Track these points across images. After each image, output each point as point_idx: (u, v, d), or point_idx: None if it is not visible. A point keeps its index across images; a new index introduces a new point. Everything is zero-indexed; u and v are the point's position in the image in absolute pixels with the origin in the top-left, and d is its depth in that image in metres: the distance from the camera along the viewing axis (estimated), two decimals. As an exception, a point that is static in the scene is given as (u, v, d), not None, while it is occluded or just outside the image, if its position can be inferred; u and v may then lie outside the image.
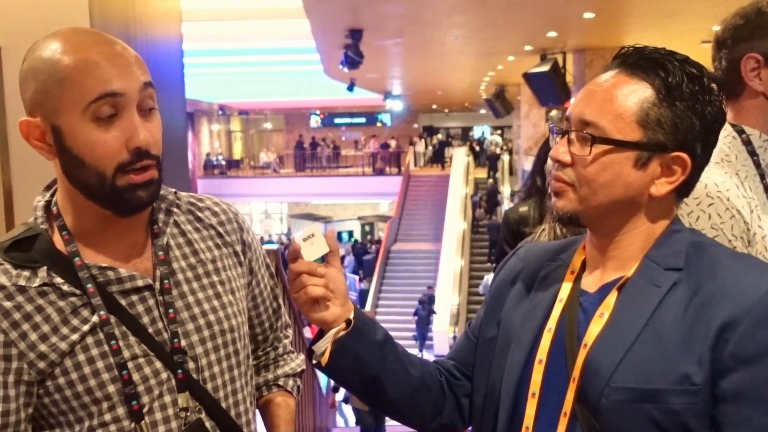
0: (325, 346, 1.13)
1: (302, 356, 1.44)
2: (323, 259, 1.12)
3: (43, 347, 1.05)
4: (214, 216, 1.26)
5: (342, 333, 1.12)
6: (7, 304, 1.05)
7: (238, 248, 1.26)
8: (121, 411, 1.07)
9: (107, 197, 1.07)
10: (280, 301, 1.38)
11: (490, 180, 21.97)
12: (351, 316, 1.13)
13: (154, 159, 1.08)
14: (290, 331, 1.43)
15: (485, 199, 20.77)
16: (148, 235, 1.17)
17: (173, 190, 1.24)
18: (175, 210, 1.22)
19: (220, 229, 1.25)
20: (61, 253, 1.10)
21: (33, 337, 1.05)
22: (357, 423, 6.01)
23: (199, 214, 1.25)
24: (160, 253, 1.15)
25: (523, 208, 2.86)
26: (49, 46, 1.05)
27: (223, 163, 28.40)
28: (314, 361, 1.16)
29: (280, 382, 1.37)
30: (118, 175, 1.05)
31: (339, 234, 24.59)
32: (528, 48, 11.88)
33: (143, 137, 1.05)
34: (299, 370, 1.41)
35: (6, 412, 1.04)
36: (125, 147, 1.05)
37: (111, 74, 1.03)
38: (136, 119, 1.05)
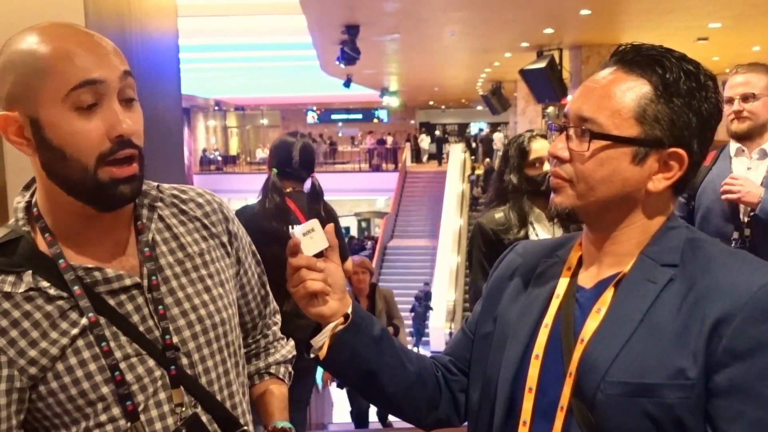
0: (322, 340, 1.13)
1: (292, 342, 1.44)
2: (322, 254, 1.12)
3: (33, 353, 1.03)
4: (199, 208, 1.24)
5: (340, 327, 1.13)
6: None
7: (225, 239, 1.25)
8: (116, 411, 1.06)
9: (89, 192, 1.04)
10: (267, 288, 1.38)
11: (487, 159, 22.38)
12: (349, 311, 1.14)
13: (136, 149, 1.06)
14: (279, 317, 1.43)
15: (483, 177, 21.38)
16: (132, 232, 1.15)
17: (155, 184, 1.22)
18: (159, 204, 1.20)
19: (206, 221, 1.23)
20: (45, 255, 1.07)
21: (22, 343, 1.03)
22: (351, 405, 5.96)
23: (184, 206, 1.23)
24: (146, 249, 1.14)
25: (499, 215, 2.74)
26: (26, 38, 1.03)
27: (219, 159, 28.37)
28: (312, 355, 1.16)
29: (272, 370, 1.37)
30: (100, 166, 1.03)
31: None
32: (524, 44, 11.88)
33: (126, 126, 1.03)
34: (290, 356, 1.41)
35: None
36: (107, 136, 1.03)
37: (90, 62, 1.02)
38: (118, 108, 1.03)
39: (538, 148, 2.74)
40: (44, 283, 1.06)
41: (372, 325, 1.16)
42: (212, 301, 1.18)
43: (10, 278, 1.05)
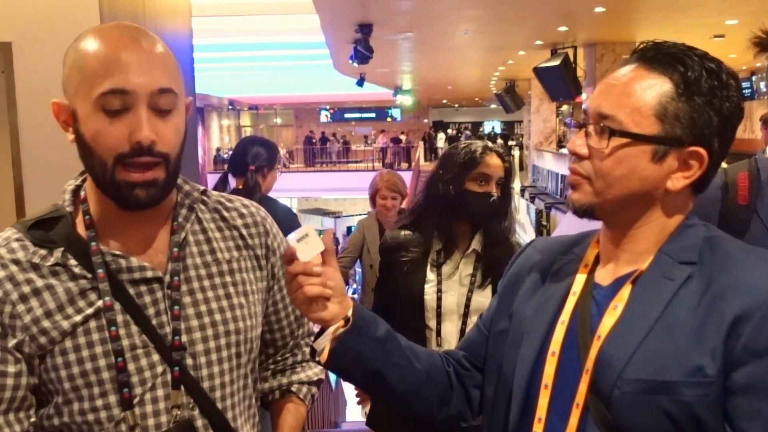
0: (323, 344, 1.13)
1: (320, 367, 1.41)
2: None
3: (46, 323, 1.08)
4: (240, 218, 1.26)
5: (341, 330, 1.12)
6: (20, 278, 1.09)
7: (260, 252, 1.26)
8: (112, 399, 1.09)
9: (108, 189, 1.09)
10: None
11: (500, 141, 22.59)
12: (350, 314, 1.13)
13: (158, 157, 1.08)
14: (311, 340, 1.42)
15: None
16: (167, 230, 1.18)
17: (202, 188, 1.24)
18: (200, 207, 1.23)
19: (244, 232, 1.25)
20: (80, 236, 1.13)
21: (38, 312, 1.08)
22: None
23: (225, 213, 1.25)
24: (175, 249, 1.17)
25: (406, 232, 2.39)
26: (86, 36, 1.09)
27: (233, 158, 28.38)
28: (316, 359, 1.16)
29: (293, 388, 1.36)
30: (118, 168, 1.06)
31: (349, 229, 24.64)
32: (538, 42, 11.84)
33: (146, 133, 1.05)
34: (316, 378, 1.39)
35: (19, 374, 1.08)
36: (128, 140, 1.06)
37: (126, 71, 1.05)
38: (143, 115, 1.06)
39: (493, 164, 2.26)
40: (72, 261, 1.11)
41: (376, 327, 1.16)
42: (230, 308, 1.19)
43: (42, 251, 1.11)
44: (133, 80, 1.05)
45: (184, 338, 1.13)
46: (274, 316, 1.32)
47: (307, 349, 1.40)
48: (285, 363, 1.37)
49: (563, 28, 10.46)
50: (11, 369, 1.07)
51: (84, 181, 1.18)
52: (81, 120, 1.07)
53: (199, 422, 1.14)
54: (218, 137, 31.26)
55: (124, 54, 1.06)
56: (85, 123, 1.07)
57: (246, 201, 1.31)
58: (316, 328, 1.17)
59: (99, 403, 1.08)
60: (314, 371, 1.40)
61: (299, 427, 1.33)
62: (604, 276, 1.10)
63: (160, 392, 1.11)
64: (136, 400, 1.09)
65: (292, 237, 1.08)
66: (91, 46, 1.07)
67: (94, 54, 1.06)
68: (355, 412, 7.79)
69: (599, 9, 8.89)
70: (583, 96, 12.02)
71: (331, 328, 1.13)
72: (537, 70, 11.51)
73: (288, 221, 2.96)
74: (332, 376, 6.02)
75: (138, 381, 1.10)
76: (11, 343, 1.07)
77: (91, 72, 1.05)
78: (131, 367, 1.09)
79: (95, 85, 1.05)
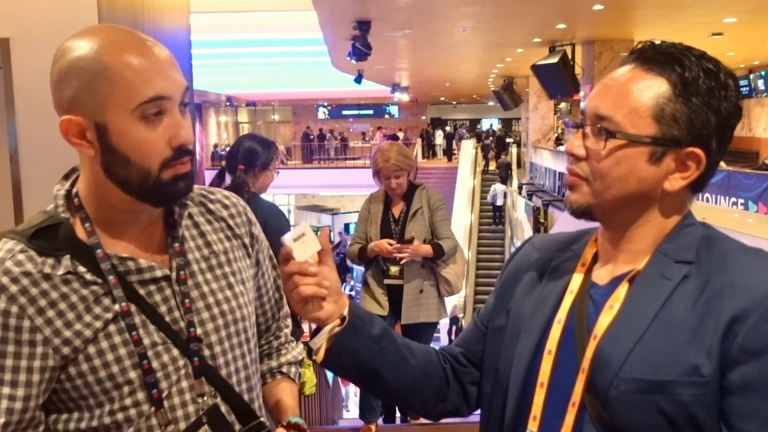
0: (320, 342, 1.14)
1: (301, 345, 1.50)
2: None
3: (67, 333, 1.08)
4: (225, 209, 1.29)
5: (337, 329, 1.13)
6: (34, 291, 1.07)
7: (247, 241, 1.30)
8: (141, 395, 1.11)
9: (149, 191, 1.10)
10: (282, 291, 1.42)
11: (500, 126, 22.92)
12: (345, 313, 1.14)
13: (191, 154, 1.12)
14: (290, 321, 1.48)
15: (495, 143, 22.94)
16: (164, 227, 1.20)
17: None
18: (189, 203, 1.25)
19: (230, 222, 1.28)
20: (83, 242, 1.12)
21: (58, 323, 1.08)
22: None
23: (210, 206, 1.28)
24: (176, 245, 1.19)
25: None
26: (87, 44, 1.06)
27: (231, 154, 28.38)
28: (313, 357, 1.17)
29: (284, 370, 1.42)
30: (163, 170, 1.09)
31: (347, 226, 24.63)
32: (537, 40, 11.85)
33: (187, 135, 1.09)
34: (300, 357, 1.46)
35: (28, 397, 1.08)
36: (168, 144, 1.08)
37: (160, 78, 1.07)
38: (179, 118, 1.09)
39: None
40: (81, 268, 1.11)
41: (371, 325, 1.17)
42: (234, 297, 1.23)
43: (50, 261, 1.10)
44: (168, 85, 1.07)
45: (198, 330, 1.16)
46: (257, 301, 1.36)
47: (288, 331, 1.45)
48: (270, 346, 1.42)
49: (562, 26, 10.47)
50: (20, 393, 1.07)
51: (72, 185, 1.17)
52: (114, 132, 1.06)
53: (222, 408, 1.17)
54: (216, 134, 31.22)
55: (148, 60, 1.07)
56: (121, 135, 1.06)
57: (225, 192, 1.33)
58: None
59: (128, 401, 1.10)
60: (297, 351, 1.46)
61: (297, 404, 1.38)
62: (601, 275, 1.11)
63: (184, 384, 1.14)
64: (164, 395, 1.12)
65: (289, 236, 1.09)
66: (109, 57, 1.05)
67: (119, 64, 1.05)
68: (354, 408, 7.80)
69: (598, 7, 8.90)
70: (581, 93, 12.04)
71: (327, 327, 1.14)
72: (535, 68, 11.52)
73: (277, 219, 3.00)
74: (329, 374, 6.03)
75: (163, 376, 1.12)
76: (36, 361, 1.07)
77: (123, 82, 1.04)
78: (155, 364, 1.11)
79: (133, 96, 1.05)
